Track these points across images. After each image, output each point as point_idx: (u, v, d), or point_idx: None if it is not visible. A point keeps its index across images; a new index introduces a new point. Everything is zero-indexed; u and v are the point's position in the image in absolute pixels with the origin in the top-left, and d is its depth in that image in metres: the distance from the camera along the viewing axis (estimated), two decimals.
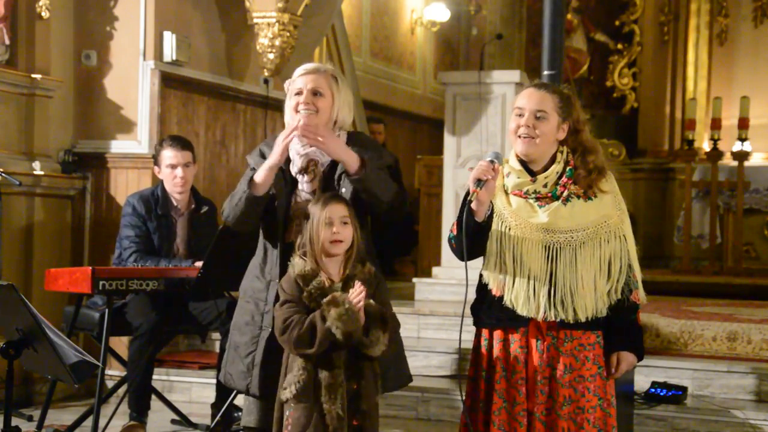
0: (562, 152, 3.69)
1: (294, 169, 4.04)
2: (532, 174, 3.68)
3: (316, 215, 3.80)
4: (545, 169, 3.67)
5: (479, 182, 3.54)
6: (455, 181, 7.13)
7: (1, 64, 6.49)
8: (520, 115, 3.68)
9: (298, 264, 3.81)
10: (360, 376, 3.76)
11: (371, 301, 3.73)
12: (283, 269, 3.94)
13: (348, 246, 3.80)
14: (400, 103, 11.71)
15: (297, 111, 3.98)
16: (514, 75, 7.17)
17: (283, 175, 4.02)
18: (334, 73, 4.09)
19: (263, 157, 4.04)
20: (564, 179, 3.66)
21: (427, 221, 9.08)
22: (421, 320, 6.81)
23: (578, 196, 3.65)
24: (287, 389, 3.75)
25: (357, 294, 3.67)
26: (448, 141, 7.18)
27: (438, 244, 7.44)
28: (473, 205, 3.60)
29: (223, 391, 5.37)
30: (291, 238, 3.97)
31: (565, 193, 3.64)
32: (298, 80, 4.04)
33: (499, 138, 7.06)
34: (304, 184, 4.03)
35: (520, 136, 3.66)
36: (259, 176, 3.93)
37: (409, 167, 10.40)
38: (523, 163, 3.70)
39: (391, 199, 3.96)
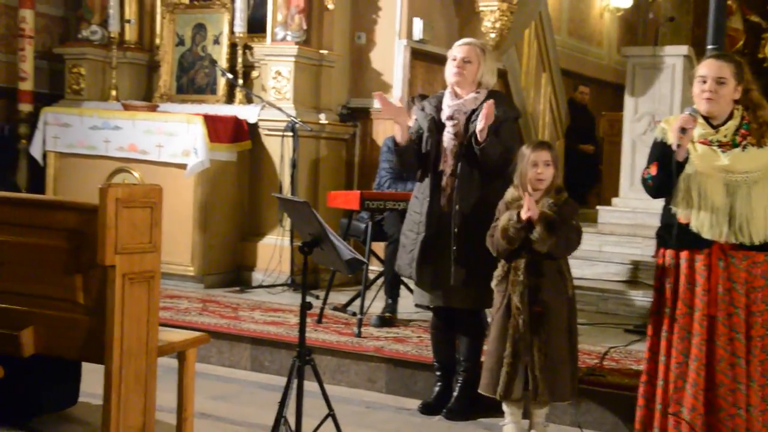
0: (738, 109, 3.40)
1: (443, 116, 4.04)
2: (713, 128, 3.38)
3: (526, 157, 3.68)
4: (724, 123, 3.39)
5: (683, 130, 3.28)
6: (632, 131, 6.74)
7: (301, 43, 6.56)
8: (703, 82, 3.37)
9: (509, 192, 3.74)
10: (540, 274, 3.64)
11: (546, 210, 3.61)
12: (434, 191, 3.97)
13: (549, 183, 3.70)
14: (589, 71, 11.19)
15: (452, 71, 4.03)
16: (683, 49, 6.69)
17: (434, 121, 4.03)
18: (482, 46, 4.08)
19: (422, 110, 4.12)
20: (742, 131, 3.38)
21: (609, 162, 8.77)
22: (603, 238, 6.48)
23: (753, 145, 3.36)
24: (493, 280, 3.75)
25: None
26: (628, 101, 6.77)
27: (617, 180, 7.07)
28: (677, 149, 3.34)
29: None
30: (440, 168, 3.99)
31: (744, 142, 3.36)
32: (455, 49, 4.08)
33: (668, 99, 6.59)
34: (450, 127, 4.02)
35: (705, 99, 3.35)
36: (398, 137, 4.03)
37: (596, 121, 10.02)
38: (706, 119, 3.39)
39: (495, 162, 3.88)
